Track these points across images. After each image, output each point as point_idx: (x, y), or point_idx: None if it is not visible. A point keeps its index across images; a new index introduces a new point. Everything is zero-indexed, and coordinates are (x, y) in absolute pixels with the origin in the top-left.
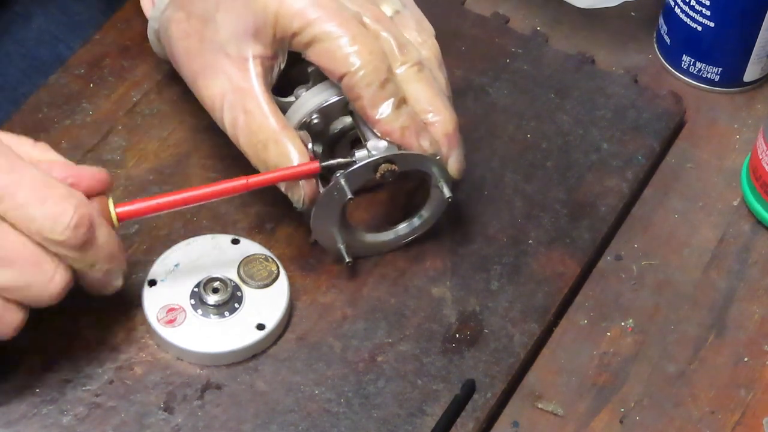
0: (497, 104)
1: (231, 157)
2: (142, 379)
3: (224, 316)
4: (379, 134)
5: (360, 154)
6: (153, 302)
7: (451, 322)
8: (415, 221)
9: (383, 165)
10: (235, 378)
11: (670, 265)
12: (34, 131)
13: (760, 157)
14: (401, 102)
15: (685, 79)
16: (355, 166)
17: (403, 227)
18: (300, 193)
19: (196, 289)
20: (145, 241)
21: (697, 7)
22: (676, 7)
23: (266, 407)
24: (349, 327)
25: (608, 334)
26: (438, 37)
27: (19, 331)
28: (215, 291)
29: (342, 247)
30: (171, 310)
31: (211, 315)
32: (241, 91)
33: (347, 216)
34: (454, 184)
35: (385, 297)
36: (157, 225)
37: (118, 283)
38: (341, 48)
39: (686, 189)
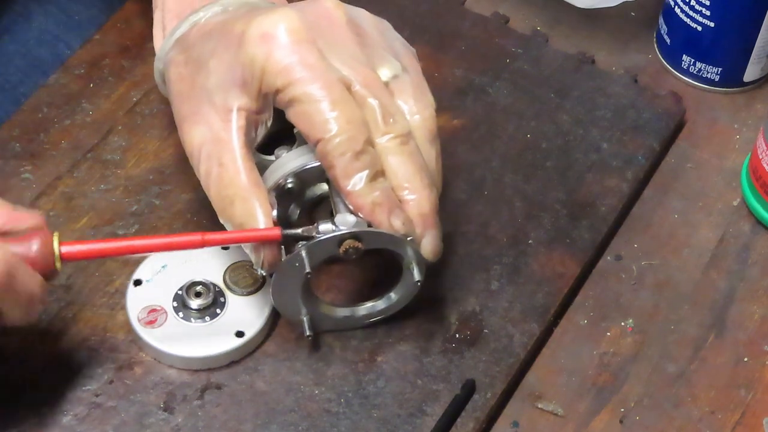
0: (497, 104)
1: None
2: (142, 379)
3: (205, 321)
4: (350, 207)
5: (324, 227)
6: (136, 302)
7: (451, 322)
8: (380, 304)
9: (348, 241)
10: (235, 378)
11: (670, 265)
12: (34, 131)
13: (760, 157)
14: (377, 175)
15: (685, 79)
16: (317, 239)
17: (366, 307)
18: (260, 257)
19: (179, 292)
20: None
21: (697, 7)
22: (676, 7)
23: (266, 407)
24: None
25: (608, 334)
26: (438, 37)
27: None
28: (198, 295)
29: (305, 319)
30: (153, 311)
31: (192, 319)
32: (220, 142)
33: (312, 287)
34: (428, 265)
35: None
36: (156, 225)
37: (33, 318)
38: (320, 112)
39: (686, 189)
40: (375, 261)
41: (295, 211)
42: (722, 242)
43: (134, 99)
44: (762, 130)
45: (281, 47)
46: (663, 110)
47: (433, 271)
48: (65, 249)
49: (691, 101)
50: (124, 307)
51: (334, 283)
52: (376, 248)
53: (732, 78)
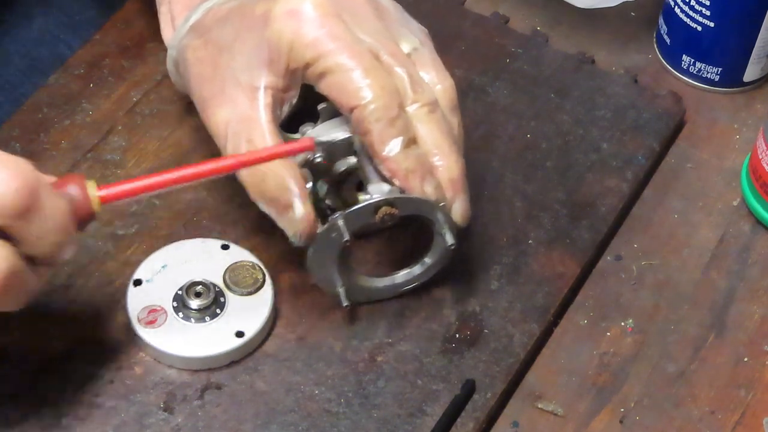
0: (497, 104)
1: None
2: (142, 379)
3: (205, 321)
4: (385, 172)
5: (362, 197)
6: (136, 302)
7: (451, 322)
8: (416, 269)
9: (383, 208)
10: (235, 378)
11: (670, 265)
12: (34, 131)
13: (760, 157)
14: (411, 142)
15: (685, 79)
16: (354, 207)
17: (402, 274)
18: (297, 229)
19: (179, 292)
20: (144, 241)
21: (697, 7)
22: (676, 7)
23: (266, 407)
24: (349, 327)
25: (608, 334)
26: (438, 37)
27: None
28: (198, 295)
29: (341, 290)
30: (153, 311)
31: (192, 319)
32: (247, 120)
33: (348, 258)
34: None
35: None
36: (157, 225)
37: (67, 255)
38: (353, 81)
39: (686, 189)
40: (400, 236)
41: (323, 187)
42: (722, 242)
43: (134, 99)
44: (762, 130)
45: (309, 21)
46: (663, 110)
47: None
48: (102, 192)
49: (691, 101)
50: (124, 308)
51: (365, 259)
52: (407, 216)
53: (732, 78)
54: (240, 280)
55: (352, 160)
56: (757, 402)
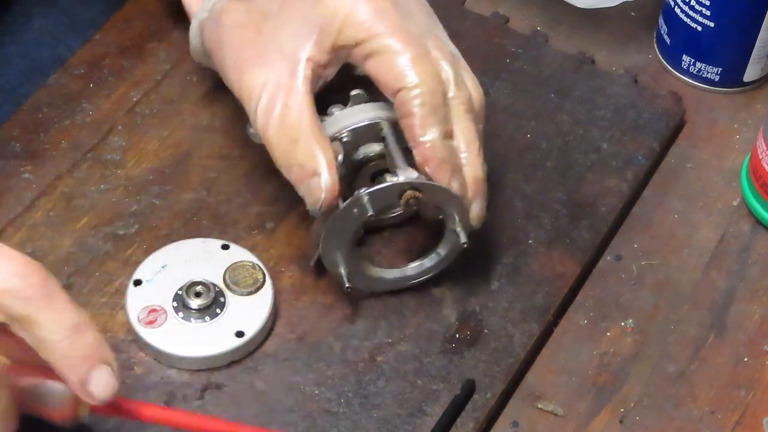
0: (497, 104)
1: (231, 157)
2: (142, 379)
3: (205, 321)
4: (417, 158)
5: (389, 178)
6: (136, 302)
7: (451, 322)
8: (426, 263)
9: (409, 191)
10: (235, 378)
11: (670, 265)
12: (34, 131)
13: (760, 157)
14: (448, 134)
15: (685, 79)
16: (382, 185)
17: (412, 267)
18: (318, 197)
19: (179, 292)
20: (145, 241)
21: (697, 7)
22: (676, 7)
23: (266, 407)
24: (349, 327)
25: (608, 334)
26: None
27: None
28: (198, 295)
29: (344, 272)
30: (153, 311)
31: (192, 319)
32: (285, 86)
33: (358, 244)
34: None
35: (385, 297)
36: (157, 225)
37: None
38: (402, 64)
39: (686, 189)
40: (409, 231)
41: (342, 170)
42: (722, 242)
43: (134, 99)
44: (762, 130)
45: (365, 1)
46: (663, 110)
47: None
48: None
49: (691, 101)
50: (124, 307)
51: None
52: (420, 210)
53: (732, 78)
54: (240, 280)
55: (375, 147)
56: (757, 402)
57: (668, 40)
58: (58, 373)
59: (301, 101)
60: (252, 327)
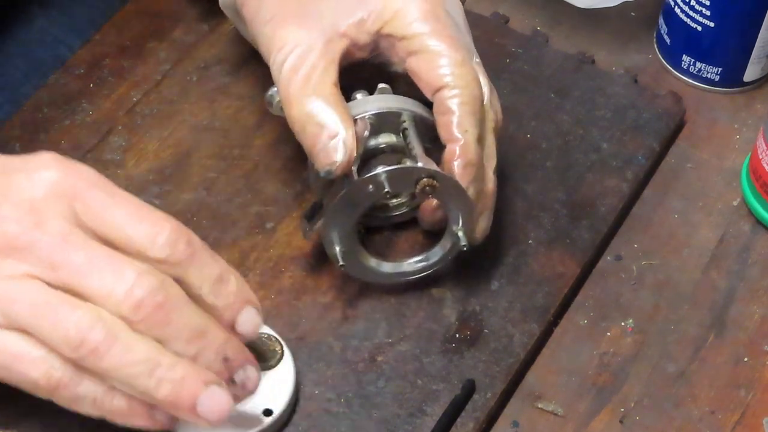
0: None
1: (231, 157)
2: None
3: None
4: (446, 154)
5: (409, 162)
6: None
7: (451, 322)
8: (422, 261)
9: (426, 179)
10: None
11: (670, 265)
12: (35, 131)
13: (760, 157)
14: (480, 139)
15: (685, 79)
16: (402, 166)
17: (410, 263)
18: (333, 159)
19: None
20: None
21: (697, 7)
22: (676, 7)
23: None
24: (349, 327)
25: (608, 334)
26: None
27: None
28: None
29: (338, 251)
30: None
31: None
32: (318, 50)
33: (360, 234)
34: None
35: (385, 297)
36: None
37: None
38: (447, 64)
39: (686, 189)
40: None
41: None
42: (722, 242)
43: (134, 99)
44: (762, 130)
45: (421, 1)
46: (663, 110)
47: (434, 270)
48: None
49: (691, 101)
50: None
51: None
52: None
53: (732, 78)
54: (258, 354)
55: (393, 138)
56: (757, 402)
57: (668, 40)
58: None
59: (329, 67)
60: (279, 403)
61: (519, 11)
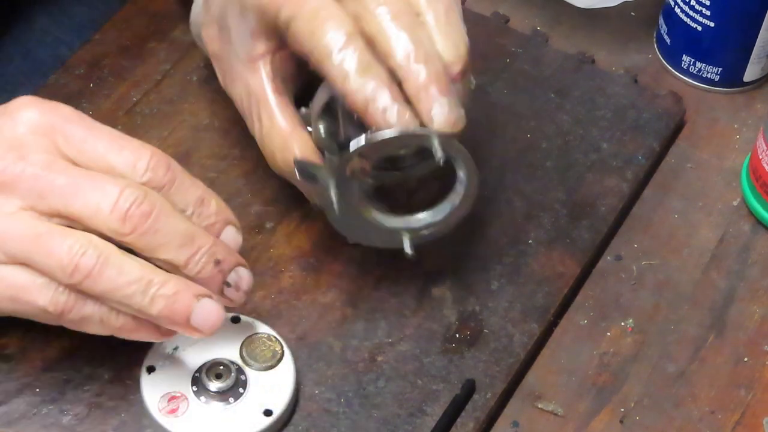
0: (497, 104)
1: (231, 157)
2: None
3: (229, 403)
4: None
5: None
6: (153, 390)
7: (451, 322)
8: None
9: (354, 160)
10: None
11: (670, 265)
12: None
13: (760, 157)
14: (368, 64)
15: (685, 79)
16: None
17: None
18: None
19: (197, 375)
20: None
21: (697, 7)
22: (676, 7)
23: None
24: (349, 327)
25: (608, 334)
26: None
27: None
28: (218, 376)
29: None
30: (173, 398)
31: (215, 401)
32: (255, 95)
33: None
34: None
35: (385, 297)
36: None
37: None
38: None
39: (686, 189)
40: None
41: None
42: (722, 242)
43: (134, 99)
44: (762, 130)
45: None
46: (663, 110)
47: (434, 270)
48: None
49: (691, 101)
50: (141, 398)
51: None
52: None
53: (732, 78)
54: (258, 355)
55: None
56: (757, 402)
57: (668, 40)
58: None
59: (272, 107)
60: (279, 403)
61: (519, 11)
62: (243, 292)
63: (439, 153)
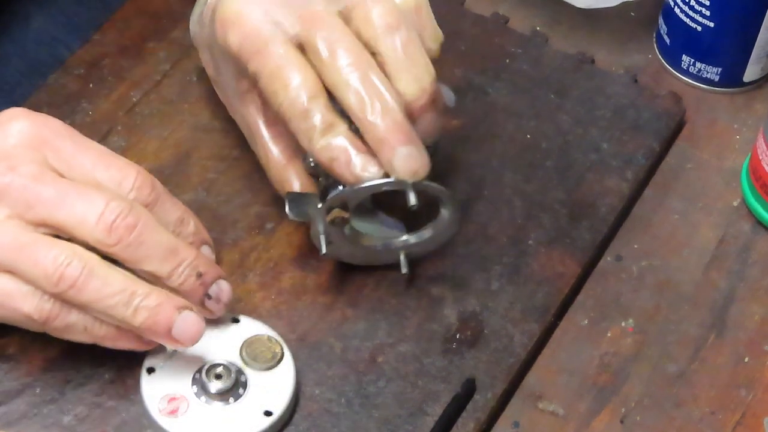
0: (497, 104)
1: (231, 158)
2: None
3: (229, 403)
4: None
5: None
6: (153, 392)
7: (451, 322)
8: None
9: (334, 211)
10: None
11: (670, 266)
12: None
13: (760, 157)
14: (328, 127)
15: (685, 79)
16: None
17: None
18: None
19: (197, 376)
20: None
21: (697, 7)
22: (676, 7)
23: None
24: (349, 327)
25: (608, 334)
26: None
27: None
28: (218, 377)
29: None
30: (173, 399)
31: (216, 402)
32: (249, 128)
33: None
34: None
35: (385, 297)
36: None
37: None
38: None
39: (686, 189)
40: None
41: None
42: (722, 242)
43: (134, 99)
44: (762, 130)
45: (232, 26)
46: (663, 110)
47: (434, 271)
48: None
49: (691, 101)
50: (140, 399)
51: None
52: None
53: (732, 78)
54: (258, 355)
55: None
56: (757, 402)
57: (668, 40)
58: None
59: (265, 141)
60: (279, 404)
61: (519, 11)
62: (223, 304)
63: (412, 200)
